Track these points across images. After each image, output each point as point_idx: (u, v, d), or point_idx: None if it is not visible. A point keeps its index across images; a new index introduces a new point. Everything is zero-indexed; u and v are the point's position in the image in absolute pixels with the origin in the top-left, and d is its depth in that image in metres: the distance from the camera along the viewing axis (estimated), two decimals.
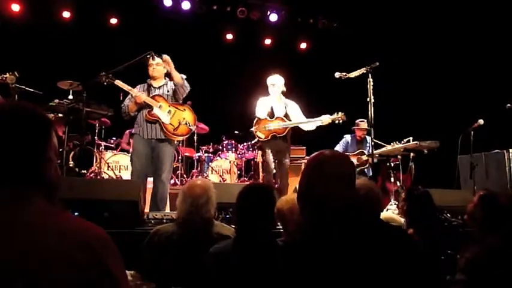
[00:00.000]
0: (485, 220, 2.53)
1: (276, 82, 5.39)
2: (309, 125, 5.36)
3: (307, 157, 6.42)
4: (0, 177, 0.98)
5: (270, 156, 5.30)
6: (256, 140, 5.59)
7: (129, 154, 5.33)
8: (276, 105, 5.39)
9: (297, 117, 5.38)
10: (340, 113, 5.26)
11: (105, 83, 4.54)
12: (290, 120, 5.33)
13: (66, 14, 8.02)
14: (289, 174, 6.62)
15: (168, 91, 4.83)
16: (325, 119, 5.28)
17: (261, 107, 5.39)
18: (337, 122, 5.25)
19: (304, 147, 6.95)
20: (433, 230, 2.96)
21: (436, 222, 2.99)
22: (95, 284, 0.91)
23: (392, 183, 5.96)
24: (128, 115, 4.80)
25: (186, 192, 2.64)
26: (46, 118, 1.08)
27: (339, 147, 6.66)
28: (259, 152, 7.25)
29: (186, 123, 4.79)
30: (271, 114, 5.35)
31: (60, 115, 5.48)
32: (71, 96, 5.56)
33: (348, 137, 6.76)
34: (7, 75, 4.53)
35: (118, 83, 4.61)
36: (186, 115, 4.82)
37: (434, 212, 3.21)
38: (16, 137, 1.00)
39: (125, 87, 4.66)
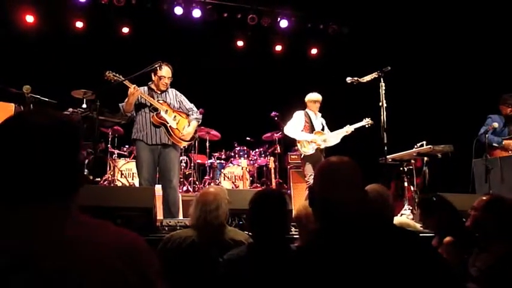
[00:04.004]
0: (494, 227, 2.43)
1: (320, 99, 5.98)
2: (336, 139, 5.93)
3: None
4: (41, 189, 0.97)
5: (311, 170, 5.63)
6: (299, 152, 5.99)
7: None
8: (314, 120, 5.96)
9: (328, 131, 6.02)
10: (367, 119, 5.91)
11: (112, 81, 4.52)
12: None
13: (79, 24, 8.13)
14: (301, 179, 6.66)
15: (171, 99, 4.84)
16: (349, 129, 5.91)
17: (297, 122, 5.90)
18: (367, 126, 5.91)
19: None
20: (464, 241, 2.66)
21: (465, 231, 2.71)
22: None
23: (406, 187, 5.89)
24: (125, 116, 4.82)
25: (198, 199, 2.69)
26: (76, 125, 1.09)
27: (484, 130, 5.67)
28: (271, 158, 7.27)
29: None
30: (311, 129, 5.87)
31: (78, 125, 5.53)
32: (84, 105, 5.64)
33: (494, 117, 5.77)
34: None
35: (126, 82, 4.56)
36: (187, 122, 4.86)
37: (461, 219, 2.86)
38: (58, 149, 1.00)
39: (131, 86, 4.60)
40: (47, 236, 0.92)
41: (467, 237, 2.62)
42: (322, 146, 5.80)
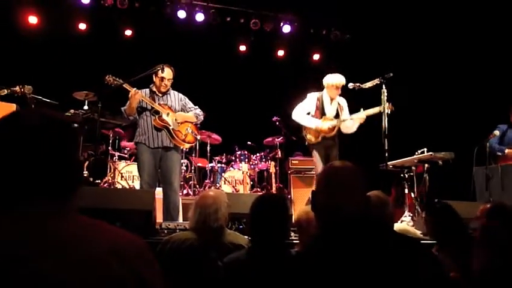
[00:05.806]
0: (502, 233, 2.41)
1: (340, 84, 5.27)
2: (350, 127, 5.39)
3: None
4: (36, 188, 0.97)
5: (318, 158, 5.30)
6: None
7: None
8: (328, 105, 5.41)
9: (345, 116, 5.42)
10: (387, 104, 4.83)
11: (112, 85, 4.53)
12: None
13: (82, 26, 8.14)
14: (302, 185, 6.59)
15: (172, 101, 4.83)
16: (360, 115, 5.25)
17: (306, 105, 5.39)
18: (388, 112, 4.81)
19: None
20: (466, 248, 2.63)
21: (468, 238, 2.71)
22: None
23: (407, 194, 5.88)
24: (127, 119, 4.84)
25: (198, 202, 2.69)
26: (70, 124, 1.08)
27: (493, 140, 5.65)
28: (272, 163, 7.26)
29: (191, 132, 4.85)
30: (321, 113, 5.37)
31: (75, 125, 5.55)
32: (86, 107, 5.66)
33: (502, 127, 5.76)
34: (17, 88, 4.58)
35: (126, 86, 4.57)
36: (190, 124, 4.88)
37: (465, 227, 2.88)
38: (51, 148, 0.99)
39: (131, 89, 4.59)
40: (42, 237, 0.92)
41: (469, 245, 2.61)
42: (331, 134, 5.29)
